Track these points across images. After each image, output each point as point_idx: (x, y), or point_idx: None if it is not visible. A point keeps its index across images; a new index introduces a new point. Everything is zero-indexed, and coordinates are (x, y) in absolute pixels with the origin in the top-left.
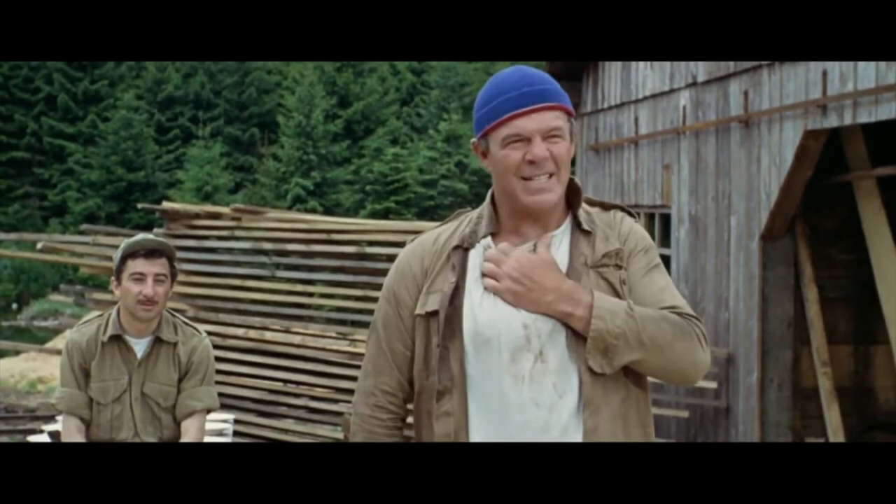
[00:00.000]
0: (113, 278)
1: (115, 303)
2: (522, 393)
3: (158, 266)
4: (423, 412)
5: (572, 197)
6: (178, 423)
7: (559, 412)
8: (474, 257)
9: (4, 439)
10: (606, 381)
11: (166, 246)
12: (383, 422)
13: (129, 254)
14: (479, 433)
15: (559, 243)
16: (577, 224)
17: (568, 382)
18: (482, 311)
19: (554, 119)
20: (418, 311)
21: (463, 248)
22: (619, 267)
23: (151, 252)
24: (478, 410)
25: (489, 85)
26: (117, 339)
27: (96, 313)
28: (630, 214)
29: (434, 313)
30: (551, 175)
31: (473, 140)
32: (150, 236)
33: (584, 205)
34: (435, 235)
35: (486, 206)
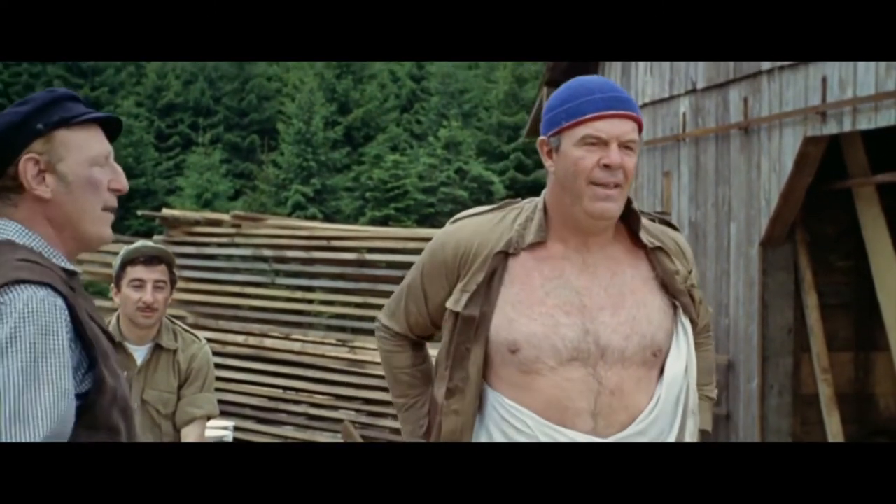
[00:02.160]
0: (112, 285)
1: (114, 310)
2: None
3: (158, 273)
4: (436, 401)
5: (630, 217)
6: (177, 430)
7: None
8: (515, 265)
9: None
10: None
11: (165, 252)
12: (394, 344)
13: (129, 260)
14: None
15: (618, 263)
16: (642, 243)
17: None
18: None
19: (632, 130)
20: (450, 305)
21: (505, 254)
22: (693, 286)
23: (151, 259)
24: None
25: (570, 85)
26: (117, 346)
27: None
28: (674, 227)
29: (462, 314)
30: (618, 186)
31: (542, 137)
32: (149, 243)
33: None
34: (476, 225)
35: (537, 211)
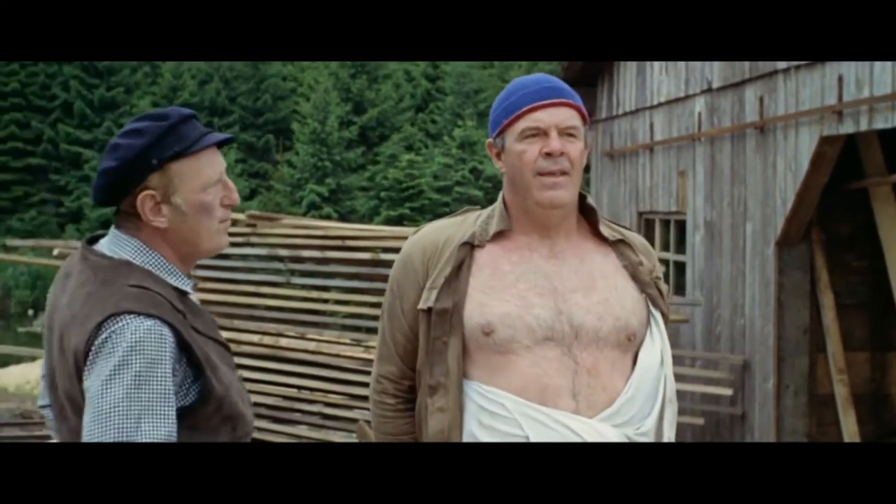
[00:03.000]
0: None
1: None
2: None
3: None
4: (422, 406)
5: (588, 213)
6: None
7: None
8: (482, 255)
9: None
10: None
11: None
12: (389, 405)
13: None
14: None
15: (585, 251)
16: (603, 237)
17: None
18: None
19: (570, 117)
20: (420, 305)
21: (471, 245)
22: (659, 279)
23: None
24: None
25: (509, 85)
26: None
27: None
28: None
29: (435, 308)
30: (565, 173)
31: (489, 140)
32: None
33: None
34: (438, 229)
35: (497, 207)
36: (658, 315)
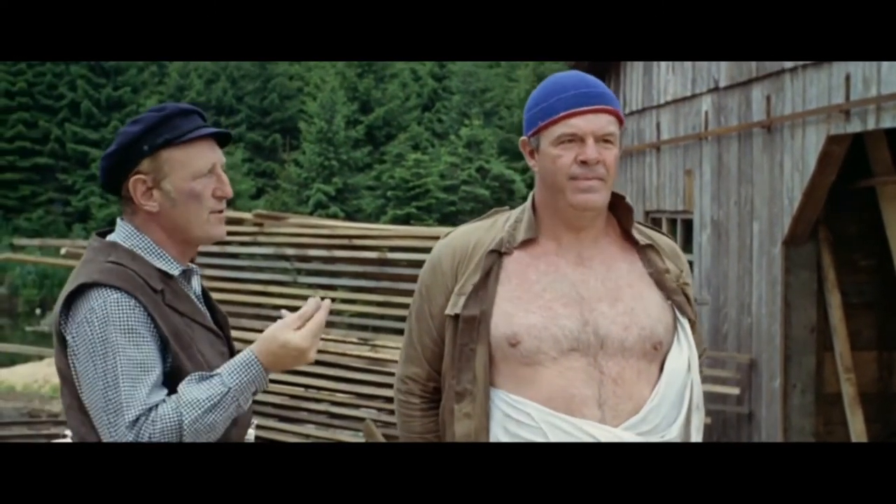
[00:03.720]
0: None
1: None
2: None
3: None
4: (447, 410)
5: (621, 214)
6: None
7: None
8: (510, 262)
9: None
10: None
11: None
12: (415, 405)
13: None
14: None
15: (612, 258)
16: (635, 241)
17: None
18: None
19: (609, 124)
20: (448, 311)
21: (498, 253)
22: (686, 285)
23: None
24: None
25: (544, 84)
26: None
27: None
28: (665, 234)
29: (462, 315)
30: (600, 180)
31: (523, 138)
32: None
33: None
34: (468, 232)
35: (525, 210)
36: (685, 321)
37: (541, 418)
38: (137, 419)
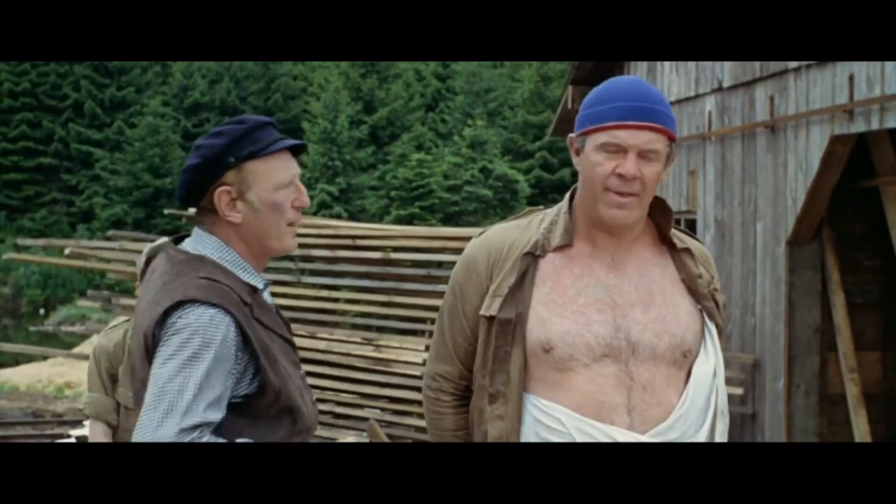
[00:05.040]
0: (138, 283)
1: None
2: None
3: None
4: (476, 409)
5: (661, 217)
6: None
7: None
8: (545, 265)
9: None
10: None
11: None
12: (446, 403)
13: (153, 256)
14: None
15: (646, 262)
16: (671, 244)
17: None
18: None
19: (653, 140)
20: (483, 311)
21: (533, 255)
22: (716, 290)
23: None
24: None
25: (604, 87)
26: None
27: (123, 318)
28: (697, 238)
29: (498, 317)
30: (635, 195)
31: (571, 135)
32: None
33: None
34: (503, 231)
35: (562, 213)
36: (713, 327)
37: (571, 424)
38: (195, 427)
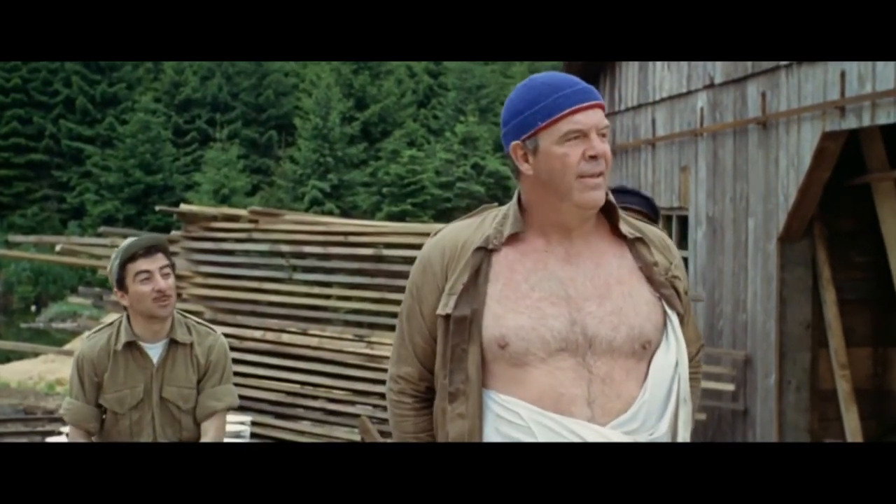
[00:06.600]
0: (115, 289)
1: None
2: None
3: (160, 260)
4: (439, 409)
5: (608, 208)
6: (197, 424)
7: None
8: (498, 260)
9: (23, 441)
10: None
11: (160, 240)
12: (408, 405)
13: (128, 258)
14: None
15: (601, 254)
16: (622, 234)
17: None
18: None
19: (603, 118)
20: (439, 311)
21: (486, 249)
22: (676, 278)
23: (149, 249)
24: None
25: (533, 86)
26: (131, 345)
27: (114, 315)
28: (655, 223)
29: (454, 315)
30: (602, 174)
31: (515, 142)
32: (140, 235)
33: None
34: (457, 230)
35: (511, 206)
36: (673, 315)
37: (529, 417)
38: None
